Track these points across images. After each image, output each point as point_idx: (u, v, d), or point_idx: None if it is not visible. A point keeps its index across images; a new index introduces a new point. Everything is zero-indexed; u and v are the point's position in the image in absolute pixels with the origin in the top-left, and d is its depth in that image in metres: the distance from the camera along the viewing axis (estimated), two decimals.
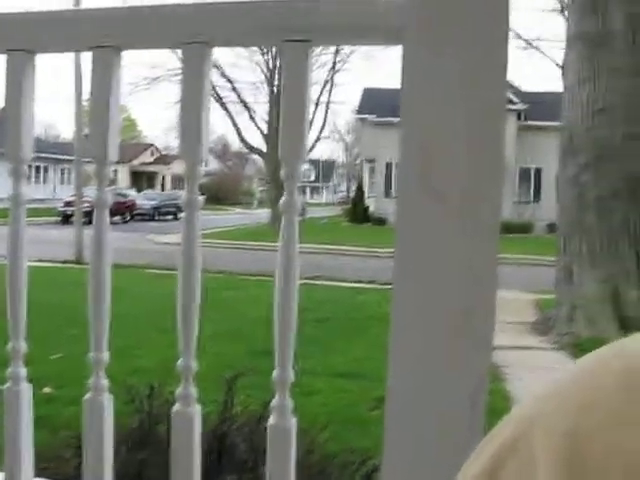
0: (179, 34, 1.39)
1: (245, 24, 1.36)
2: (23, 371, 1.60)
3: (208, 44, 1.38)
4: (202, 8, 1.39)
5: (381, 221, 32.25)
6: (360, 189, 37.51)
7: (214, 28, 1.37)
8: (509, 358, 7.49)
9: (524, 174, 33.51)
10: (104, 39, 1.45)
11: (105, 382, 1.53)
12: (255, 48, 32.18)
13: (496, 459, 0.42)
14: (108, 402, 1.53)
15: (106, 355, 1.53)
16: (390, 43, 1.28)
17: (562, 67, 10.24)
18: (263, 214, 36.69)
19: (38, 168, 45.63)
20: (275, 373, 1.37)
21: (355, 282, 14.31)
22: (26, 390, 1.61)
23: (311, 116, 1.33)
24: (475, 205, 1.13)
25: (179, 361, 1.45)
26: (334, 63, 33.41)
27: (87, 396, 1.53)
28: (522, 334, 9.38)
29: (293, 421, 1.38)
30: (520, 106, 31.43)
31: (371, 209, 35.40)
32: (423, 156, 1.15)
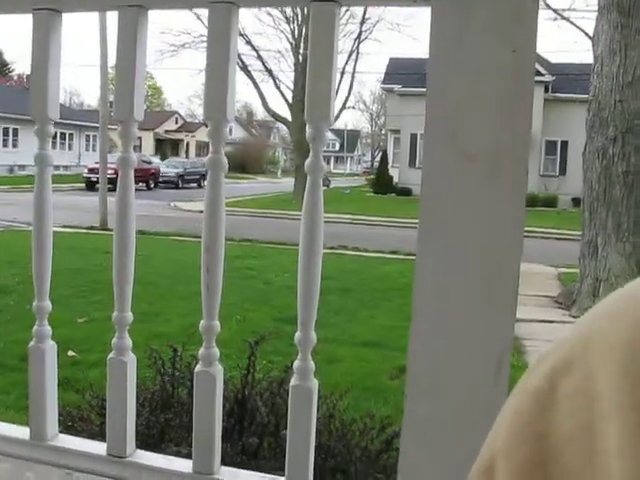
0: None
1: None
2: (48, 329, 1.62)
3: (235, 3, 1.37)
4: None
5: (405, 191, 32.13)
6: (384, 159, 37.32)
7: None
8: (531, 331, 7.47)
9: (550, 147, 33.16)
10: None
11: (128, 341, 1.54)
12: (281, 16, 31.98)
13: (552, 379, 0.42)
14: (131, 362, 1.55)
15: (129, 315, 1.54)
16: (419, 3, 1.26)
17: (592, 38, 10.03)
18: (287, 183, 36.68)
19: (63, 135, 45.83)
20: (297, 335, 1.38)
21: (378, 252, 14.28)
22: (50, 348, 1.62)
23: (337, 85, 1.31)
24: (502, 167, 1.12)
25: (201, 322, 1.46)
26: (360, 32, 33.06)
27: (110, 355, 1.54)
28: (545, 307, 9.34)
29: (315, 382, 1.38)
30: (547, 78, 31.02)
31: (395, 179, 35.25)
32: (451, 117, 1.14)
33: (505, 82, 1.12)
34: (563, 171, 32.97)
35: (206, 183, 1.43)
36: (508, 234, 1.13)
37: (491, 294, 1.14)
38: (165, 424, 2.75)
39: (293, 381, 1.39)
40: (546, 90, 31.72)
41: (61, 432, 1.68)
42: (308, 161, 1.33)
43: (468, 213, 1.14)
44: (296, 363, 1.38)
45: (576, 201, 21.80)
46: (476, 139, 1.13)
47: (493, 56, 1.12)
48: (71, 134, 47.24)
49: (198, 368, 1.48)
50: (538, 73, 27.74)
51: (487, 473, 0.43)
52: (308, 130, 1.32)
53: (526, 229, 1.17)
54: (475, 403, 1.15)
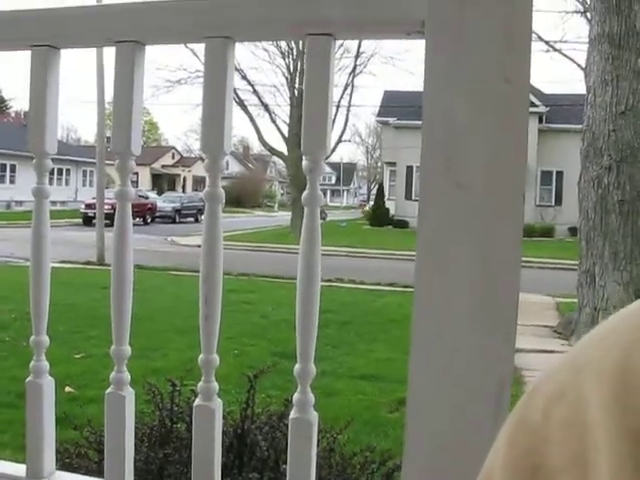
0: (202, 28, 1.39)
1: (268, 17, 1.36)
2: (45, 364, 1.61)
3: (231, 38, 1.39)
4: (224, 1, 1.39)
5: (402, 224, 32.21)
6: (381, 192, 37.45)
7: (236, 22, 1.37)
8: (530, 361, 7.44)
9: (546, 177, 33.33)
10: (127, 33, 1.45)
11: (127, 375, 1.53)
12: (276, 50, 32.28)
13: (545, 409, 0.42)
14: (129, 395, 1.53)
15: (127, 349, 1.53)
16: (413, 37, 1.27)
17: (584, 69, 10.14)
18: (284, 217, 36.74)
19: (60, 170, 46.01)
20: (297, 367, 1.37)
21: (376, 285, 14.29)
22: (48, 383, 1.61)
23: (333, 117, 1.32)
24: (499, 197, 1.12)
25: (200, 355, 1.45)
26: (354, 66, 33.34)
27: (109, 390, 1.53)
28: (544, 337, 9.32)
29: (315, 415, 1.37)
30: (541, 109, 31.27)
31: (392, 212, 35.36)
32: (445, 148, 1.14)
33: (500, 112, 1.12)
34: (559, 201, 33.10)
35: (204, 215, 1.43)
36: (506, 263, 1.13)
37: (491, 323, 1.14)
38: (164, 459, 2.72)
39: (293, 414, 1.38)
40: (540, 121, 31.97)
41: (58, 469, 1.67)
42: (305, 193, 1.33)
43: (465, 243, 1.14)
44: (295, 396, 1.38)
45: (573, 230, 21.88)
46: (471, 169, 1.13)
47: (487, 87, 1.13)
48: (68, 169, 47.44)
49: (197, 402, 1.47)
50: (532, 104, 27.95)
51: None
52: (305, 161, 1.33)
53: (523, 259, 1.17)
54: (476, 435, 1.15)
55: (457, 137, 1.14)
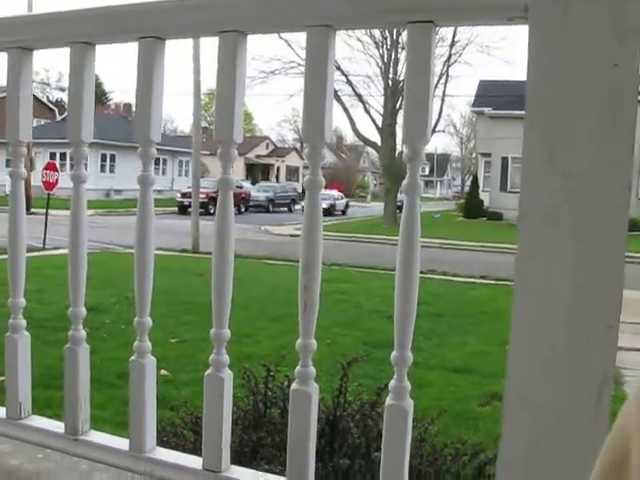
0: (304, 16, 1.41)
1: (369, 5, 1.36)
2: (148, 345, 1.67)
3: (332, 27, 1.40)
4: None
5: (496, 216, 31.68)
6: (475, 183, 36.92)
7: (338, 10, 1.38)
8: (630, 360, 7.22)
9: None
10: (229, 24, 1.48)
11: (226, 358, 1.57)
12: (370, 40, 32.12)
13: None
14: (228, 378, 1.57)
15: (227, 332, 1.57)
16: (515, 22, 1.25)
17: None
18: (377, 207, 36.68)
19: (157, 160, 46.80)
20: (394, 354, 1.37)
21: (468, 277, 14.12)
22: (150, 363, 1.67)
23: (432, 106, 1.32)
24: (603, 188, 1.09)
25: (298, 340, 1.47)
26: (449, 55, 32.83)
27: (208, 371, 1.57)
28: None
29: (410, 402, 1.38)
30: None
31: (486, 204, 34.82)
32: (549, 137, 1.12)
33: (607, 99, 1.10)
34: None
35: (304, 203, 1.45)
36: (610, 257, 1.10)
37: (593, 319, 1.11)
38: (257, 442, 2.77)
39: (388, 400, 1.39)
40: None
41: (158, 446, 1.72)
42: (405, 181, 1.33)
43: (568, 236, 1.12)
44: (392, 383, 1.38)
45: None
46: (575, 159, 1.11)
47: (593, 72, 1.10)
48: (164, 159, 48.59)
49: (294, 386, 1.49)
50: None
51: (621, 463, 0.44)
52: (405, 150, 1.33)
53: (626, 254, 1.13)
54: (574, 432, 1.13)
55: (561, 126, 1.12)
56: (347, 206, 42.63)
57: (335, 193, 41.22)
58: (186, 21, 1.56)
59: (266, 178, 58.41)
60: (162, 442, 2.63)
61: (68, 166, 32.84)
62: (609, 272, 1.11)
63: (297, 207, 38.33)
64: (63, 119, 42.96)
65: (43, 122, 45.47)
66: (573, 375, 1.12)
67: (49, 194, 16.39)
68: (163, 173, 48.07)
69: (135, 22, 1.62)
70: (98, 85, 57.23)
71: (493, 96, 33.57)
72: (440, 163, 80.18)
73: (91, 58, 1.69)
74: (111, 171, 43.79)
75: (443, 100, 32.70)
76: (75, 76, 1.69)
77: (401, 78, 30.77)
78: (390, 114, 30.74)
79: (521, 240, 1.15)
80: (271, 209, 39.78)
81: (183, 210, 30.95)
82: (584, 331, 1.11)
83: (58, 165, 18.05)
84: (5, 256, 1.83)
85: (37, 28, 1.76)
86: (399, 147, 30.96)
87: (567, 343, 1.12)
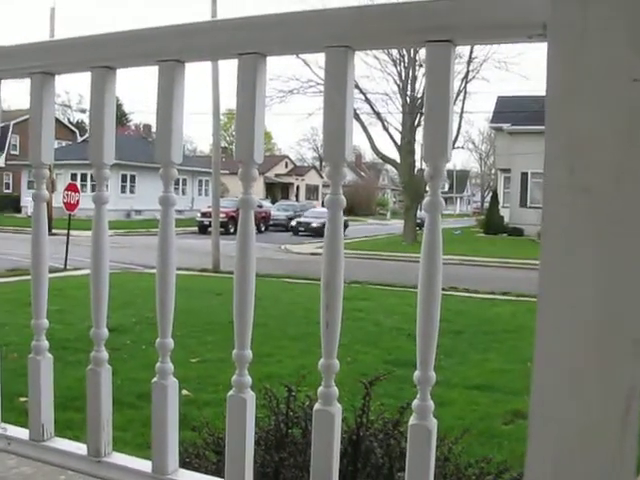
0: (323, 37, 1.42)
1: (387, 25, 1.36)
2: (170, 366, 1.67)
3: (350, 47, 1.40)
4: (344, 11, 1.41)
5: (517, 232, 31.55)
6: (495, 199, 36.83)
7: (356, 30, 1.39)
8: None
9: None
10: (249, 46, 1.49)
11: (248, 379, 1.57)
12: (388, 58, 32.20)
13: None
14: (251, 399, 1.57)
15: (249, 353, 1.56)
16: (535, 40, 1.25)
17: None
18: (397, 225, 36.63)
19: (177, 180, 47.17)
20: (417, 374, 1.37)
21: (489, 293, 14.07)
22: (172, 384, 1.67)
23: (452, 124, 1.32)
24: (627, 202, 1.08)
25: (321, 360, 1.47)
26: (467, 72, 32.84)
27: (231, 392, 1.57)
28: None
29: (434, 422, 1.37)
30: None
31: (506, 219, 34.71)
32: (571, 153, 1.12)
33: (627, 113, 1.09)
34: None
35: (326, 221, 1.45)
36: (635, 273, 1.09)
37: (618, 335, 1.10)
38: (279, 463, 2.76)
39: (412, 420, 1.38)
40: None
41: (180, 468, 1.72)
42: (427, 199, 1.33)
43: (591, 251, 1.11)
44: (415, 402, 1.37)
45: None
46: (597, 174, 1.10)
47: (613, 87, 1.10)
48: (184, 179, 48.89)
49: (317, 407, 1.49)
50: None
51: None
52: (426, 168, 1.33)
53: None
54: (601, 448, 1.11)
55: (581, 142, 1.11)
56: (346, 226, 42.56)
57: None
58: (205, 44, 1.58)
59: (286, 197, 58.61)
60: (184, 463, 2.63)
61: (89, 187, 33.18)
62: (633, 286, 1.09)
63: (326, 223, 38.35)
64: (84, 140, 43.44)
65: (64, 144, 45.97)
66: (599, 391, 1.11)
67: (70, 215, 16.53)
68: (183, 193, 48.36)
69: (154, 46, 1.63)
70: (118, 106, 57.73)
71: (511, 112, 33.56)
72: (459, 179, 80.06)
73: (112, 82, 1.71)
74: (131, 191, 44.14)
75: (461, 116, 32.71)
76: (96, 100, 1.71)
77: (419, 95, 30.84)
78: (409, 131, 30.76)
79: (544, 256, 1.15)
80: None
81: (203, 229, 31.16)
82: (609, 346, 1.10)
83: (79, 186, 18.21)
84: (28, 277, 1.85)
85: (58, 53, 1.79)
86: (418, 164, 30.97)
87: (592, 358, 1.11)
